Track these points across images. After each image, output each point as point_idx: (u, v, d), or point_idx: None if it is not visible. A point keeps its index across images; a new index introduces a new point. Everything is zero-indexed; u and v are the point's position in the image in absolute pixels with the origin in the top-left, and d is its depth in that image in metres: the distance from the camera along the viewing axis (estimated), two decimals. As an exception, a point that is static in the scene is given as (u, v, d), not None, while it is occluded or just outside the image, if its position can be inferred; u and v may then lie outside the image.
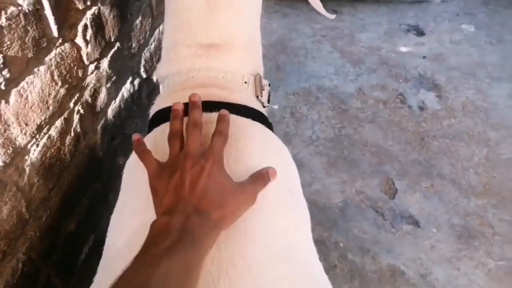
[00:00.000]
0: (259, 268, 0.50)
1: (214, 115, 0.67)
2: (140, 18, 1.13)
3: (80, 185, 0.89)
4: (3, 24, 0.62)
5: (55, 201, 0.80)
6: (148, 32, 1.19)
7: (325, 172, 1.91)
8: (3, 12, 0.62)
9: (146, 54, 1.21)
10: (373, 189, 1.82)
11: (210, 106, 0.69)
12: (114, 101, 1.02)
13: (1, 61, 0.62)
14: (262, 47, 0.90)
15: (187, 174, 0.52)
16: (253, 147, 0.64)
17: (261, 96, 0.80)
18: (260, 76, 0.80)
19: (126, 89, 1.09)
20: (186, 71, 0.75)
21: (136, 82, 1.16)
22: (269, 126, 0.77)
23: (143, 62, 1.20)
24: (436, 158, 1.94)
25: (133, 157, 0.68)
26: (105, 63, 0.95)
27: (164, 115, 0.72)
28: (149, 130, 0.73)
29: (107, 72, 0.96)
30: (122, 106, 1.07)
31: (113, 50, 0.98)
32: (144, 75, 1.20)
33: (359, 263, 1.58)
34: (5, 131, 0.65)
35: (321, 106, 2.21)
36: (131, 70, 1.12)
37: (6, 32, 0.63)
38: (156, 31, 1.27)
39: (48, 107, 0.75)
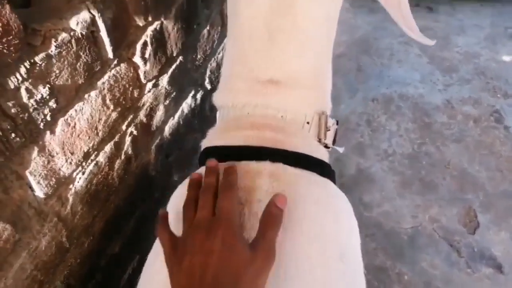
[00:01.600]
0: None
1: (264, 164, 0.60)
2: (208, 28, 1.06)
3: (128, 206, 0.87)
4: (52, 53, 0.59)
5: (99, 226, 0.79)
6: (216, 41, 1.13)
7: (397, 192, 1.75)
8: (53, 40, 0.59)
9: (212, 64, 1.15)
10: (450, 219, 1.64)
11: (261, 152, 0.61)
12: (172, 118, 0.98)
13: (48, 92, 0.59)
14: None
15: (195, 260, 0.47)
16: (303, 209, 0.57)
17: (325, 139, 0.70)
18: (326, 116, 0.70)
19: (187, 104, 1.05)
20: (241, 106, 0.68)
21: (199, 95, 1.11)
22: (330, 174, 0.68)
23: (208, 73, 1.14)
24: (532, 192, 1.69)
25: (172, 205, 0.64)
26: (164, 80, 0.90)
27: (211, 155, 0.66)
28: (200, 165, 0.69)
29: (166, 89, 0.92)
30: (181, 123, 1.03)
31: (174, 65, 0.93)
32: (208, 87, 1.15)
33: (423, 302, 1.43)
34: (48, 162, 0.63)
35: (402, 117, 2.02)
36: (194, 82, 1.07)
37: (55, 61, 0.60)
38: (225, 39, 1.20)
39: (97, 133, 0.72)
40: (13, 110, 0.55)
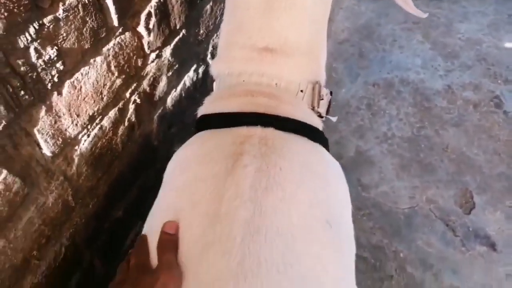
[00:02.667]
0: None
1: (255, 129, 0.63)
2: (211, 3, 1.09)
3: (131, 173, 0.91)
4: (60, 16, 0.62)
5: (103, 189, 0.82)
6: (219, 18, 1.15)
7: (395, 174, 1.78)
8: (60, 3, 0.61)
9: (215, 40, 1.17)
10: (447, 200, 1.67)
11: (254, 118, 0.64)
12: (174, 89, 1.01)
13: (55, 53, 0.62)
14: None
15: None
16: (288, 173, 0.59)
17: (318, 107, 0.72)
18: (319, 85, 0.73)
19: (189, 77, 1.07)
20: (237, 74, 0.71)
21: (201, 69, 1.13)
22: (322, 141, 0.70)
23: (210, 48, 1.17)
24: (529, 175, 1.71)
25: (172, 164, 0.67)
26: (167, 51, 0.93)
27: (209, 121, 0.70)
28: (197, 130, 0.72)
29: (169, 60, 0.94)
30: (184, 95, 1.05)
31: (177, 38, 0.96)
32: (210, 62, 1.18)
33: (418, 278, 1.47)
34: (55, 122, 0.66)
35: (402, 102, 2.04)
36: (196, 57, 1.10)
37: (62, 24, 0.63)
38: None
39: (102, 98, 0.75)
40: (22, 69, 0.58)
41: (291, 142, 0.64)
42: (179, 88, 1.03)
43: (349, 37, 2.41)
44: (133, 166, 0.90)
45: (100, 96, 0.74)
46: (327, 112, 0.76)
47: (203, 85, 1.15)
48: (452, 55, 2.23)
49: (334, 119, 0.79)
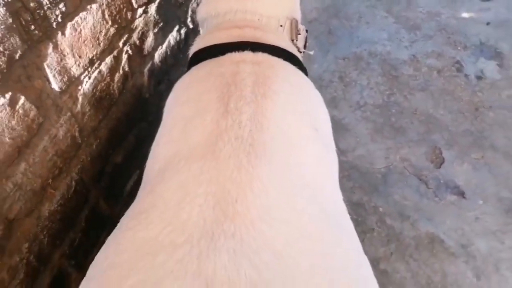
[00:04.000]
0: (276, 193, 0.53)
1: (246, 54, 0.71)
2: (190, -32, 1.17)
3: (127, 122, 0.97)
4: (61, -40, 0.68)
5: (104, 132, 0.88)
6: (197, -17, 1.23)
7: (370, 138, 1.89)
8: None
9: (193, 4, 1.25)
10: (418, 157, 1.79)
11: (243, 45, 0.72)
12: (161, 46, 1.08)
13: (59, -6, 0.68)
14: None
15: None
16: (280, 85, 0.67)
17: (296, 40, 0.81)
18: (296, 21, 0.82)
19: (173, 37, 1.14)
20: (223, 13, 0.78)
21: (183, 31, 1.21)
22: (302, 69, 0.79)
23: (190, 12, 1.24)
24: (490, 129, 1.85)
25: (172, 93, 0.74)
26: (152, 8, 1.00)
27: (201, 54, 0.77)
28: (189, 69, 0.79)
29: (154, 17, 1.01)
30: (169, 53, 1.12)
31: (160, -3, 1.03)
32: (190, 25, 1.25)
33: (397, 228, 1.57)
34: (61, 60, 0.72)
35: (371, 72, 2.16)
36: (178, 19, 1.17)
37: (63, -32, 0.69)
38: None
39: (99, 43, 0.81)
40: (32, 4, 0.64)
41: (279, 63, 0.72)
42: (164, 45, 1.10)
43: (318, 17, 2.52)
44: (128, 115, 0.96)
45: (97, 41, 0.80)
46: (304, 47, 0.85)
47: (186, 46, 1.22)
48: (414, 27, 2.37)
49: (311, 52, 0.88)
